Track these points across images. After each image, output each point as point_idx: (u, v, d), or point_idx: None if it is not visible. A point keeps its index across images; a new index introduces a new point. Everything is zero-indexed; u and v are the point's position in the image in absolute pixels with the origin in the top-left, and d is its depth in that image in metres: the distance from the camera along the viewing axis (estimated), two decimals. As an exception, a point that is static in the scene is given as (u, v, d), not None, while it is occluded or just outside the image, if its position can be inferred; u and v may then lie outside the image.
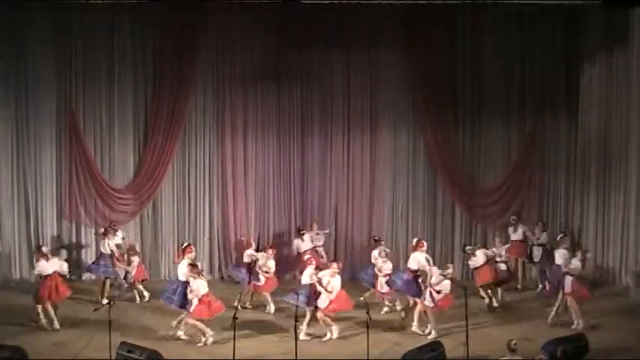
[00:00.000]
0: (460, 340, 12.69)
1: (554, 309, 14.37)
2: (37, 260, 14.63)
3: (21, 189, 17.49)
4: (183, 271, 13.87)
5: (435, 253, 17.47)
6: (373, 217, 18.30)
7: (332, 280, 13.64)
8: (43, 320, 14.05)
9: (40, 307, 14.09)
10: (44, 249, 15.22)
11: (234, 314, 12.20)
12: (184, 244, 14.88)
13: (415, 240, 15.44)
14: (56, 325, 14.06)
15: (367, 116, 18.15)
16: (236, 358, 11.62)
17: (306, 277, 13.99)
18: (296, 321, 12.08)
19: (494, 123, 18.11)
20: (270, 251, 15.57)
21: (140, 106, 17.77)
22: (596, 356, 12.09)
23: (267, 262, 15.29)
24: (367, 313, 12.41)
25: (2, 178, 17.21)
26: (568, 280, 14.05)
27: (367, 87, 18.08)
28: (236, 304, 13.98)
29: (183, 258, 14.18)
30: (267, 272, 15.26)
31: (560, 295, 14.33)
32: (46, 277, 14.27)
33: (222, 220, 18.12)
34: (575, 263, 14.18)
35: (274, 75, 17.91)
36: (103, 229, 16.45)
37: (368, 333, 12.08)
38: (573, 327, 13.87)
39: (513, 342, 10.82)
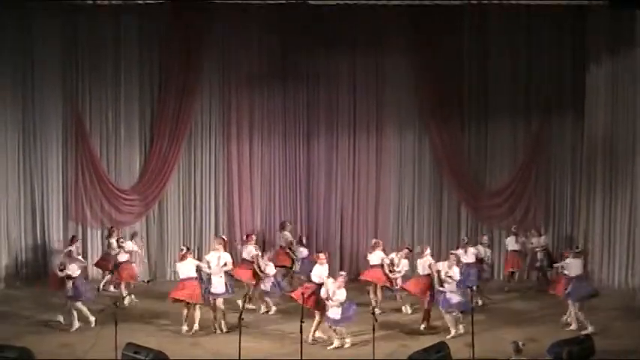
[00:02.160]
0: (466, 341, 12.67)
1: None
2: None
3: (27, 190, 17.55)
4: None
5: (441, 255, 17.44)
6: (379, 218, 18.30)
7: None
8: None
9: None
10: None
11: (240, 314, 12.21)
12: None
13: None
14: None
15: (373, 117, 18.17)
16: (242, 358, 11.63)
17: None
18: (302, 321, 12.08)
19: (500, 124, 18.09)
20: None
21: (146, 107, 17.83)
22: (603, 358, 12.05)
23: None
24: (372, 313, 12.41)
25: (9, 178, 17.23)
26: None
27: (373, 88, 18.10)
28: (243, 304, 13.99)
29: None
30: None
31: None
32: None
33: (227, 221, 18.14)
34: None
35: (280, 76, 17.94)
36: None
37: (374, 333, 12.07)
38: (569, 329, 13.90)
39: (521, 343, 10.79)
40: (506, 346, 11.23)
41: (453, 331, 13.60)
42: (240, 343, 11.70)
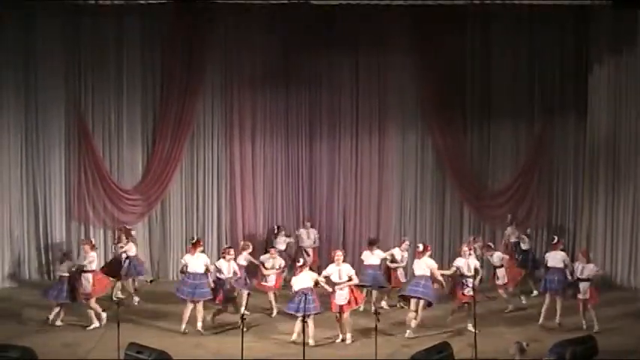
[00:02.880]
0: (468, 341, 12.66)
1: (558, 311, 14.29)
2: (88, 251, 14.17)
3: (30, 190, 17.57)
4: (200, 264, 13.89)
5: (443, 256, 17.48)
6: (381, 219, 18.29)
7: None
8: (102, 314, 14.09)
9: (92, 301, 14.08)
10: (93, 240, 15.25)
11: (242, 314, 12.21)
12: (194, 239, 14.56)
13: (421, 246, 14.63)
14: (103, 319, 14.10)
15: (375, 118, 18.17)
16: (244, 358, 11.63)
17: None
18: (304, 321, 12.08)
19: (502, 124, 18.09)
20: (272, 251, 15.52)
21: (148, 108, 17.84)
22: (605, 358, 12.03)
23: (275, 262, 15.25)
24: (375, 314, 12.40)
25: (12, 179, 17.25)
26: (585, 286, 13.96)
27: (375, 89, 18.10)
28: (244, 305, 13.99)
29: (195, 252, 14.03)
30: (277, 269, 15.21)
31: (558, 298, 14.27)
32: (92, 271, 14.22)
33: (230, 221, 18.14)
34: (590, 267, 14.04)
35: (282, 77, 17.94)
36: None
37: (376, 334, 12.07)
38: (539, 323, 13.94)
39: (525, 343, 10.76)
40: (509, 346, 11.21)
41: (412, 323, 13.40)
42: (242, 342, 11.71)
